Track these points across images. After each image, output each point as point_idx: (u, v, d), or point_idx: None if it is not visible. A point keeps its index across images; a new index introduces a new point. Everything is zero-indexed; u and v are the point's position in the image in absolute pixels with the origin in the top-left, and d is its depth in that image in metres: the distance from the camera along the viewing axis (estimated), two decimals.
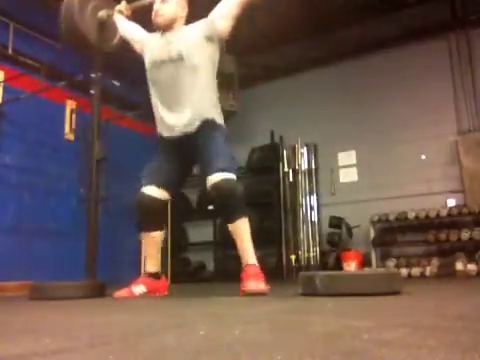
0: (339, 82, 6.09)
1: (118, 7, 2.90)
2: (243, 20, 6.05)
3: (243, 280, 2.30)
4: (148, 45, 2.65)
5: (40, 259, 4.41)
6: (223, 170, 2.30)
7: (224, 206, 2.37)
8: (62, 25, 2.85)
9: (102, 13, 2.94)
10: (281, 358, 0.66)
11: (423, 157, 5.48)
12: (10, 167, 4.53)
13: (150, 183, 2.54)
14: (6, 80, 4.55)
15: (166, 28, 2.57)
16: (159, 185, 2.54)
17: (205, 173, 2.37)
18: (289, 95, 6.43)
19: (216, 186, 2.30)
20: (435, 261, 4.79)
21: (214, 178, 2.30)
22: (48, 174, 4.89)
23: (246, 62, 6.45)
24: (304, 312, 1.48)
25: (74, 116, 5.29)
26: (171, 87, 2.49)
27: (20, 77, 4.56)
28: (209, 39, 2.48)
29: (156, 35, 2.65)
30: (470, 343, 0.75)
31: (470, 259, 4.61)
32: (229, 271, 5.66)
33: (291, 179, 6.03)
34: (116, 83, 4.34)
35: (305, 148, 6.08)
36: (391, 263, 5.03)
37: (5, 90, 4.54)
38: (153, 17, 2.57)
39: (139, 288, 2.52)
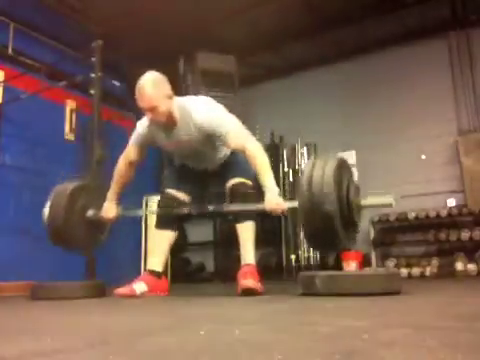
0: (339, 82, 6.09)
1: (106, 214, 2.61)
2: (243, 20, 6.05)
3: (239, 278, 2.37)
4: (155, 138, 2.55)
5: (40, 259, 4.40)
6: (242, 176, 2.52)
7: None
8: (47, 227, 2.62)
9: (90, 213, 2.66)
10: (281, 358, 0.66)
11: (423, 157, 5.48)
12: (10, 167, 4.53)
13: (170, 186, 2.70)
14: (6, 80, 4.54)
15: (170, 123, 2.44)
16: (179, 188, 2.68)
17: (226, 179, 2.55)
18: (289, 95, 6.42)
19: (235, 186, 2.50)
20: (435, 261, 4.78)
21: (234, 180, 2.51)
22: (48, 174, 4.88)
23: (246, 62, 6.45)
24: (304, 312, 1.47)
25: (74, 116, 5.29)
26: (192, 158, 2.62)
27: (20, 77, 4.55)
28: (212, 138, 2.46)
29: (160, 130, 2.52)
30: (470, 343, 0.75)
31: (470, 259, 4.61)
32: (229, 271, 5.64)
33: (291, 179, 6.03)
34: (116, 83, 4.34)
35: (305, 148, 6.08)
36: (391, 263, 5.02)
37: (5, 90, 4.53)
38: (151, 120, 2.41)
39: (140, 286, 2.52)
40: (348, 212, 1.99)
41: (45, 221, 2.61)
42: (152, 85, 2.34)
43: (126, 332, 1.07)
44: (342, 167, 2.06)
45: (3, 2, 4.61)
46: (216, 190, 2.74)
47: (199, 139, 2.43)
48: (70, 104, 5.27)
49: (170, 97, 2.39)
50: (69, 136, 5.26)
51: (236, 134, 2.37)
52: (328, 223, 1.92)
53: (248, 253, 2.46)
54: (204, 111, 2.41)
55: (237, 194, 2.48)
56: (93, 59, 3.85)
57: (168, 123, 2.42)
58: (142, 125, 2.56)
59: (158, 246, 2.68)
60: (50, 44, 5.04)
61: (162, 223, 2.66)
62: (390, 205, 2.10)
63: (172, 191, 2.68)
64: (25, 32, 4.80)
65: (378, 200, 2.13)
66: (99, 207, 2.63)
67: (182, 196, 2.66)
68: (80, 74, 4.24)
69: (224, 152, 2.62)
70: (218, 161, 2.63)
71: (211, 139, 2.44)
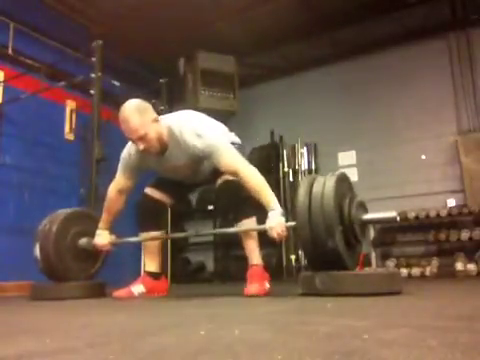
0: (339, 82, 6.09)
1: (98, 242, 2.56)
2: (243, 20, 6.04)
3: (247, 281, 2.33)
4: (147, 164, 2.49)
5: None
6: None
7: (230, 205, 2.41)
8: (40, 265, 2.57)
9: (83, 241, 2.62)
10: (281, 358, 0.66)
11: (423, 157, 5.47)
12: (10, 167, 4.53)
13: (152, 186, 2.64)
14: (6, 80, 4.55)
15: (162, 148, 2.35)
16: (161, 189, 2.62)
17: (215, 179, 2.45)
18: (289, 95, 6.43)
19: (222, 186, 2.39)
20: (435, 261, 4.78)
21: (222, 179, 2.39)
22: (48, 174, 4.88)
23: (246, 62, 6.46)
24: (304, 312, 1.47)
25: (74, 116, 5.29)
26: (181, 177, 2.54)
27: (20, 77, 4.56)
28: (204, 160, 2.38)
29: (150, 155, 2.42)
30: (470, 343, 0.75)
31: (470, 259, 4.60)
32: (229, 271, 5.65)
33: (291, 179, 6.03)
34: (116, 83, 4.34)
35: (305, 148, 6.08)
36: (391, 263, 5.02)
37: (5, 90, 4.53)
38: (144, 150, 2.30)
39: (138, 288, 2.53)
40: (351, 230, 1.94)
41: (37, 259, 2.57)
42: (136, 113, 2.23)
43: (126, 332, 1.07)
44: (342, 182, 2.00)
45: (3, 2, 4.61)
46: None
47: (191, 162, 2.36)
48: (70, 104, 5.28)
49: (156, 120, 2.29)
50: (69, 136, 5.26)
51: (228, 158, 2.22)
52: (329, 244, 1.87)
53: (252, 253, 2.39)
54: (194, 132, 2.27)
55: (227, 188, 2.36)
56: (93, 59, 3.85)
57: (159, 149, 2.32)
58: (128, 152, 2.47)
59: (147, 248, 2.65)
60: (50, 44, 5.04)
61: (144, 225, 2.62)
62: (394, 219, 2.06)
63: (150, 191, 2.61)
64: (25, 32, 4.80)
65: (381, 215, 2.07)
66: (92, 234, 2.59)
67: (160, 196, 2.60)
68: (80, 74, 4.25)
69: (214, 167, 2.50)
70: (207, 174, 2.53)
71: (203, 161, 2.35)
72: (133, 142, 2.32)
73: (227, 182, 2.36)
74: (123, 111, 2.26)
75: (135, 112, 2.24)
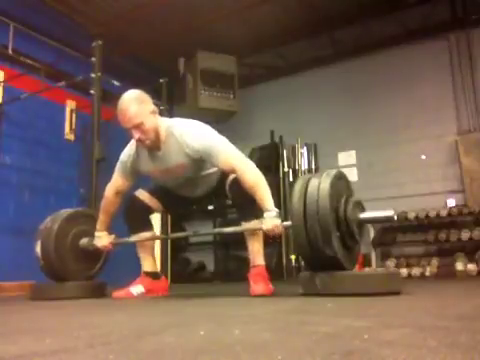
0: (339, 82, 6.09)
1: (98, 243, 2.57)
2: (243, 20, 6.05)
3: (251, 282, 2.31)
4: (140, 166, 2.46)
5: None
6: None
7: (241, 204, 2.39)
8: (41, 265, 2.58)
9: (84, 241, 2.62)
10: (281, 358, 0.66)
11: (423, 157, 5.48)
12: (10, 167, 4.53)
13: (144, 189, 2.61)
14: (6, 80, 4.55)
15: (157, 143, 2.31)
16: (152, 193, 2.59)
17: (226, 177, 2.42)
18: (289, 95, 6.42)
19: (232, 184, 2.36)
20: (435, 261, 4.78)
21: (231, 178, 2.36)
22: (48, 174, 4.89)
23: (246, 62, 6.46)
24: (304, 312, 1.47)
25: (74, 116, 5.29)
26: (177, 185, 2.50)
27: (20, 77, 4.56)
28: (199, 159, 2.31)
29: (145, 156, 2.42)
30: (470, 343, 0.75)
31: (470, 259, 4.60)
32: (229, 271, 5.65)
33: (291, 179, 6.03)
34: (116, 83, 4.34)
35: (305, 148, 6.08)
36: (391, 263, 5.02)
37: (5, 90, 4.54)
38: (138, 141, 2.28)
39: (137, 288, 2.52)
40: (348, 232, 1.92)
41: (38, 257, 2.57)
42: (134, 102, 2.23)
43: (126, 332, 1.07)
44: (337, 182, 1.97)
45: (3, 2, 4.61)
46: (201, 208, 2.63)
47: (187, 164, 2.31)
48: (70, 104, 5.28)
49: (154, 113, 2.28)
50: (69, 136, 5.26)
51: (227, 154, 2.21)
52: (327, 252, 1.85)
53: (257, 254, 2.38)
54: (195, 133, 2.26)
55: (237, 186, 2.28)
56: (93, 59, 3.85)
57: (155, 143, 2.30)
58: (126, 153, 2.48)
59: (141, 250, 2.63)
60: (50, 44, 5.04)
61: (132, 226, 2.59)
62: (392, 219, 2.02)
63: (139, 193, 2.58)
64: (25, 32, 4.80)
65: (378, 214, 2.04)
66: (93, 234, 2.59)
67: (149, 199, 2.56)
68: (80, 74, 4.25)
69: (212, 179, 2.47)
70: (205, 187, 2.51)
71: (200, 164, 2.32)
72: (128, 132, 2.28)
73: (237, 181, 2.28)
74: (122, 100, 2.25)
75: (133, 101, 2.23)
